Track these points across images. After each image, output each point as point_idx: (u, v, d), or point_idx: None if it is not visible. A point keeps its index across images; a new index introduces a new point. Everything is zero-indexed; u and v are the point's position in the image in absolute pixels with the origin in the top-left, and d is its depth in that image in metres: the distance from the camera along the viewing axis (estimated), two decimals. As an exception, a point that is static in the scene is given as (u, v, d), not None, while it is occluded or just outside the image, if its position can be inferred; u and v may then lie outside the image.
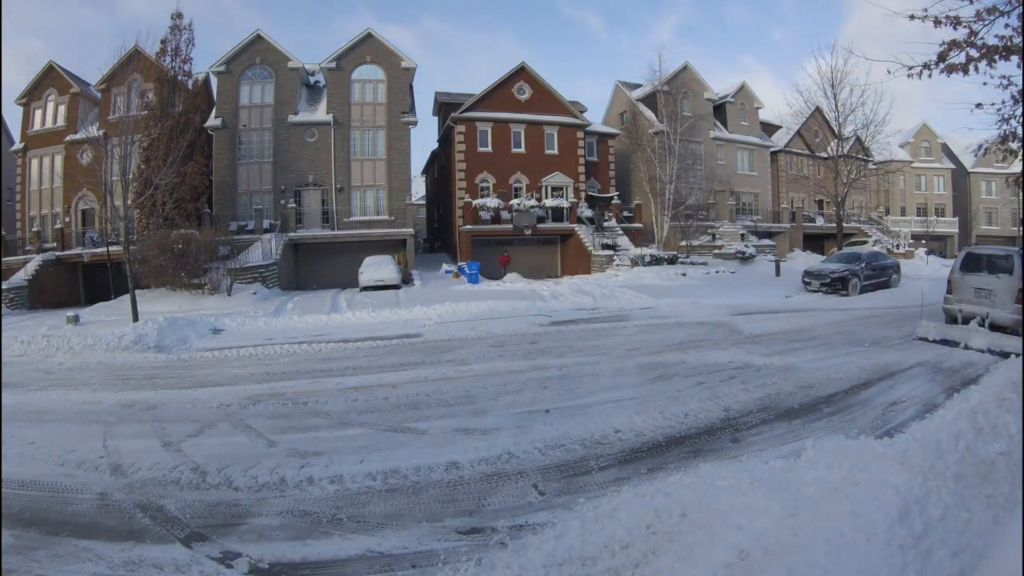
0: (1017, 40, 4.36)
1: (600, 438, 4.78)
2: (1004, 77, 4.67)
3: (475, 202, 23.59)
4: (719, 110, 31.75)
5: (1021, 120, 4.85)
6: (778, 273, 20.69)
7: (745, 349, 8.37)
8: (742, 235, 27.31)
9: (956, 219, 40.00)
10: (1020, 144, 5.18)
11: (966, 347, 8.05)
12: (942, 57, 4.50)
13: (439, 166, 31.30)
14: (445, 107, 27.66)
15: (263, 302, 16.23)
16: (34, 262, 20.28)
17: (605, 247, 22.75)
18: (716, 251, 24.81)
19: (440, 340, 9.91)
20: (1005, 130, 4.99)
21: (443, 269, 22.37)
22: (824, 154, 26.18)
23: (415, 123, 24.47)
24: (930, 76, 4.62)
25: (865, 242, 28.92)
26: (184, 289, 17.29)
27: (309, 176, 23.71)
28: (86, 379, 7.90)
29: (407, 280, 20.35)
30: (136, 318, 12.82)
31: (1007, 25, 4.42)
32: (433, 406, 5.91)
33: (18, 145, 25.16)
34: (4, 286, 18.53)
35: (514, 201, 23.83)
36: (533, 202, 24.04)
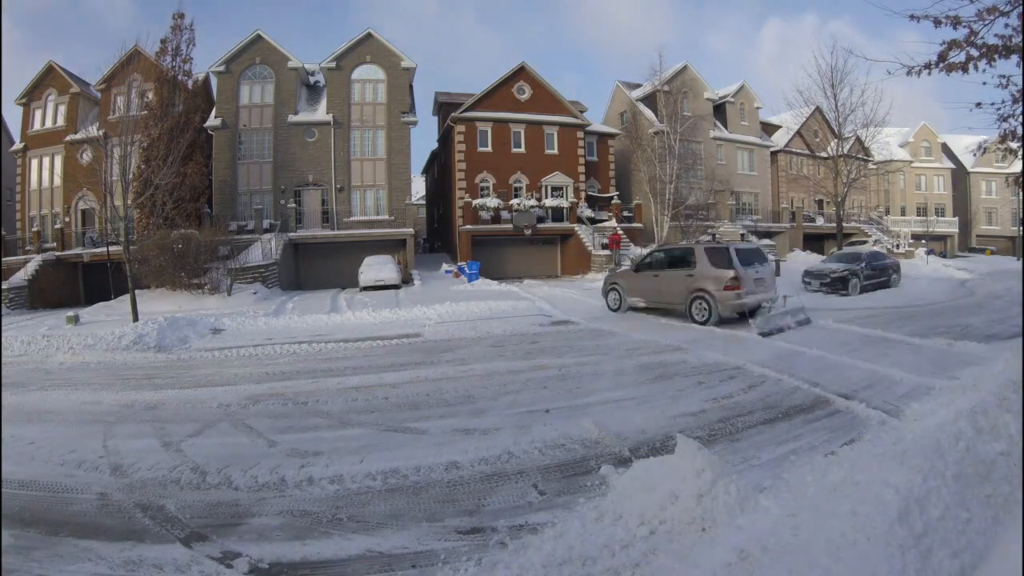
0: (1017, 39, 4.35)
1: (600, 438, 4.78)
2: (1003, 76, 4.67)
3: (475, 202, 23.58)
4: (719, 110, 31.75)
5: (1021, 119, 4.84)
6: (778, 273, 20.54)
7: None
8: (742, 235, 27.26)
9: (956, 219, 40.00)
10: (1020, 144, 5.17)
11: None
12: (942, 57, 4.50)
13: (439, 166, 31.30)
14: (445, 107, 27.66)
15: (263, 302, 16.23)
16: (34, 262, 20.28)
17: (605, 247, 22.74)
18: (716, 251, 24.76)
19: (440, 340, 9.91)
20: (1005, 129, 4.98)
21: (443, 269, 22.39)
22: (824, 154, 26.19)
23: (415, 123, 24.50)
24: (930, 75, 4.62)
25: (865, 242, 28.87)
26: (184, 289, 17.29)
27: (309, 176, 23.72)
28: (86, 379, 7.90)
29: (407, 280, 20.36)
30: (136, 318, 12.81)
31: (1007, 24, 4.42)
32: (433, 406, 5.91)
33: (18, 145, 25.16)
34: (4, 286, 18.54)
35: (514, 201, 23.83)
36: (533, 202, 24.04)
